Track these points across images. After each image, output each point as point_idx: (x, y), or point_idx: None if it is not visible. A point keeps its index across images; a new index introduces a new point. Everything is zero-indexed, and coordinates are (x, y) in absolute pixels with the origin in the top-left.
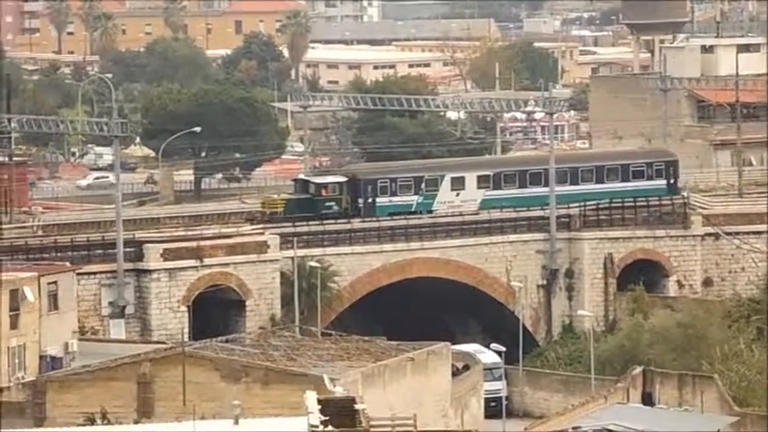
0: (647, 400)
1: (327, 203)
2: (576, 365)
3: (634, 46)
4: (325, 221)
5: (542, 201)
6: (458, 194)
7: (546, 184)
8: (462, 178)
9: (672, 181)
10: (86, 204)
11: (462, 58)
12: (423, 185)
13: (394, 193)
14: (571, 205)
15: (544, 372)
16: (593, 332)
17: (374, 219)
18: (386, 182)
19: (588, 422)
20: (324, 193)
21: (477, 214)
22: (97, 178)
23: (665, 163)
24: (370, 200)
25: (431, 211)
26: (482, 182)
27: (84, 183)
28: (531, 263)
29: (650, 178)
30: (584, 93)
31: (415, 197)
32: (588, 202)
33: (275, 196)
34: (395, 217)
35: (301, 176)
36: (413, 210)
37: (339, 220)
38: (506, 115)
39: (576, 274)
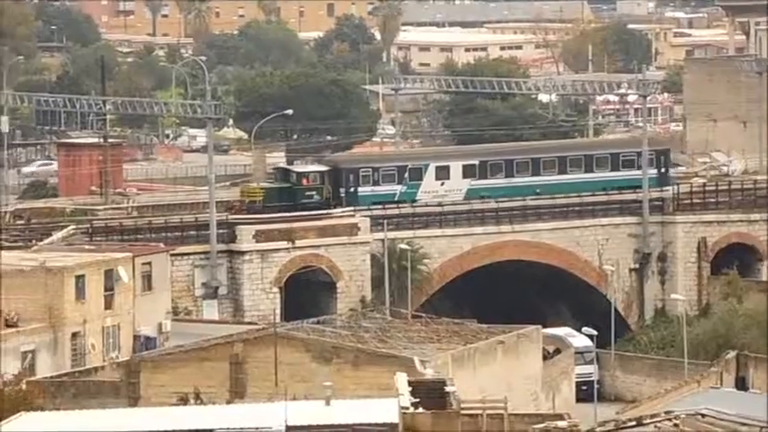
0: (741, 384)
1: (308, 193)
2: (668, 350)
3: (729, 28)
4: (415, 204)
5: (530, 191)
6: (442, 184)
7: (534, 173)
8: (447, 167)
9: (663, 170)
10: (180, 186)
11: (555, 41)
12: (406, 175)
13: (376, 183)
14: (664, 189)
15: (636, 356)
16: (686, 316)
17: (465, 201)
18: (368, 171)
19: (681, 406)
20: (305, 182)
21: (567, 197)
22: (41, 165)
23: (656, 152)
24: (352, 189)
25: (414, 201)
26: (468, 171)
27: (28, 170)
28: (624, 246)
29: (641, 167)
30: (678, 75)
31: (399, 186)
32: (579, 192)
33: (254, 185)
34: (485, 199)
35: (282, 165)
36: (396, 199)
37: (429, 203)
38: (599, 98)
39: (669, 258)
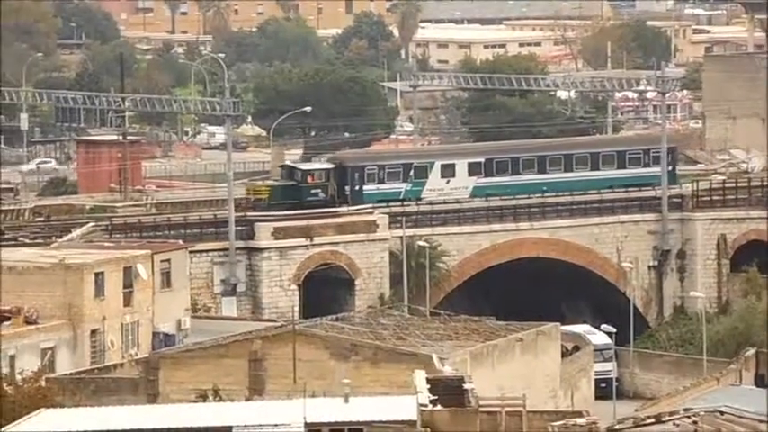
0: (760, 381)
1: (313, 191)
2: (687, 347)
3: (748, 25)
4: (434, 202)
5: (537, 188)
6: (448, 182)
7: (540, 171)
8: (452, 165)
9: (671, 168)
10: (198, 183)
11: (574, 37)
12: (411, 173)
13: (381, 181)
14: (684, 186)
15: (655, 353)
16: (706, 313)
17: (483, 198)
18: (373, 169)
19: (700, 404)
20: (310, 180)
21: (586, 194)
22: (40, 163)
23: None
24: (357, 187)
25: (420, 199)
26: (473, 169)
27: (25, 168)
28: (643, 243)
29: (647, 165)
30: (697, 72)
31: (404, 185)
32: (585, 190)
33: (260, 183)
34: (504, 197)
35: (287, 163)
36: (401, 197)
37: (448, 200)
38: (618, 95)
39: (689, 255)
